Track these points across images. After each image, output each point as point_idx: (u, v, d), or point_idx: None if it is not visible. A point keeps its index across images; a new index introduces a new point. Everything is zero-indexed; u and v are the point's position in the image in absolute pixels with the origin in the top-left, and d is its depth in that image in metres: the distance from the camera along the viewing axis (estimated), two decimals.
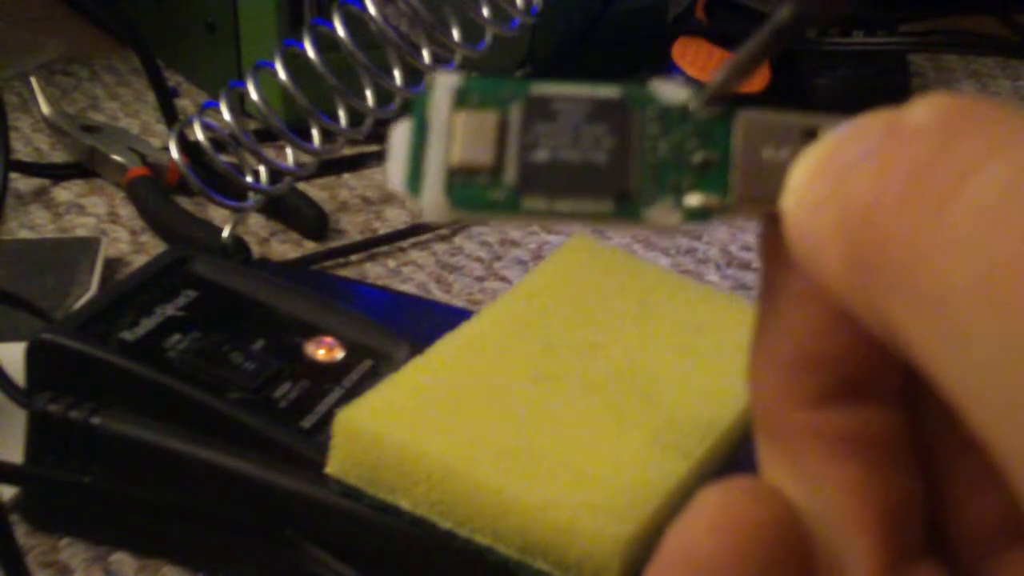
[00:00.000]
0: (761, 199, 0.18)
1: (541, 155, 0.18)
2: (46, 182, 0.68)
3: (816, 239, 0.17)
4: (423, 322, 0.51)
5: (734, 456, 0.41)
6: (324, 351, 0.43)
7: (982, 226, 0.14)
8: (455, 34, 0.64)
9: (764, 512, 0.18)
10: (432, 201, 0.19)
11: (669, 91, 0.19)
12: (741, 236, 0.65)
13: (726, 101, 0.19)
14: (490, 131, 0.19)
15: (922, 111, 0.16)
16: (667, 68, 0.74)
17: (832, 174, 0.17)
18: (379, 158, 0.71)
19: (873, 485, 0.18)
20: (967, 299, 0.14)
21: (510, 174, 0.19)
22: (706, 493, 0.19)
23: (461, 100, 0.19)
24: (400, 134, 0.19)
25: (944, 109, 0.16)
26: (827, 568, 0.19)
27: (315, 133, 0.60)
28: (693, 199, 0.18)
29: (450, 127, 0.19)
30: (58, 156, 0.71)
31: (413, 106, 0.19)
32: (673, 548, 0.18)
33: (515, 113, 0.19)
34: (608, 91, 0.19)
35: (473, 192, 0.19)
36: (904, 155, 0.16)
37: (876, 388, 0.19)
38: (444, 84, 0.19)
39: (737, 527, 0.18)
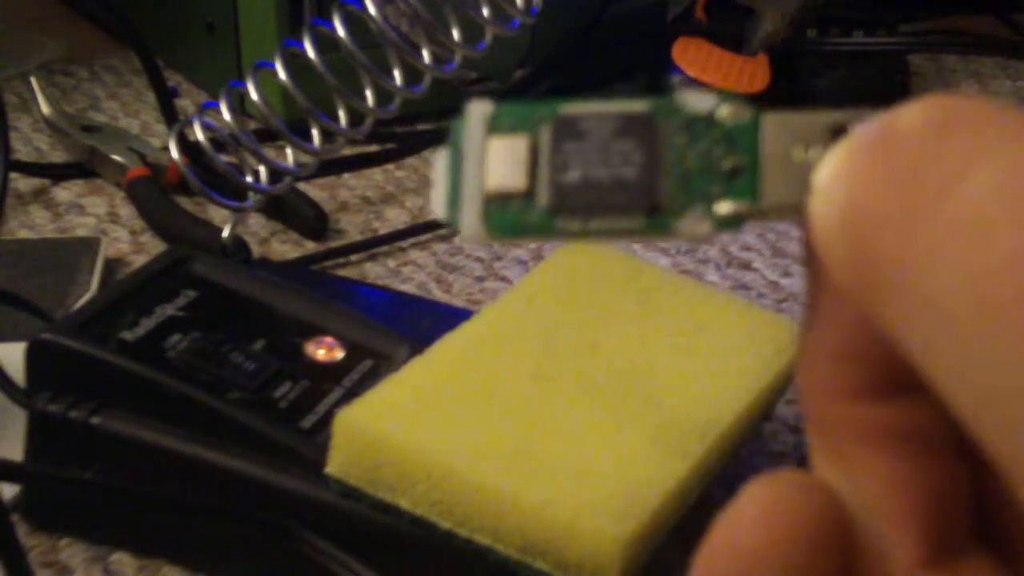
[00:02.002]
0: (791, 201, 0.18)
1: (572, 175, 0.19)
2: (46, 182, 0.68)
3: (827, 240, 0.17)
4: (423, 322, 0.51)
5: (734, 456, 0.41)
6: (324, 351, 0.43)
7: (971, 229, 0.14)
8: (455, 34, 0.64)
9: (809, 504, 0.19)
10: (470, 227, 0.19)
11: (695, 100, 0.19)
12: (741, 236, 0.65)
13: (753, 105, 0.19)
14: (522, 155, 0.19)
15: (913, 113, 0.16)
16: (667, 68, 0.74)
17: (844, 175, 0.17)
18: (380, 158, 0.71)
19: (916, 478, 0.18)
20: (958, 303, 0.14)
21: (543, 197, 0.19)
22: (753, 485, 0.19)
23: (493, 126, 0.20)
24: (439, 162, 0.20)
25: (935, 111, 0.16)
26: (870, 559, 0.19)
27: (315, 133, 0.60)
28: (723, 207, 0.18)
29: (484, 154, 0.19)
30: (58, 156, 0.71)
31: (449, 135, 0.20)
32: (720, 540, 0.19)
33: (545, 135, 0.19)
34: (635, 105, 0.19)
35: (508, 217, 0.19)
36: (894, 158, 0.16)
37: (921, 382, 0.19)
38: (476, 112, 0.20)
39: (783, 519, 0.18)
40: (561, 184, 0.19)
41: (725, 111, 0.19)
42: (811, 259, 0.19)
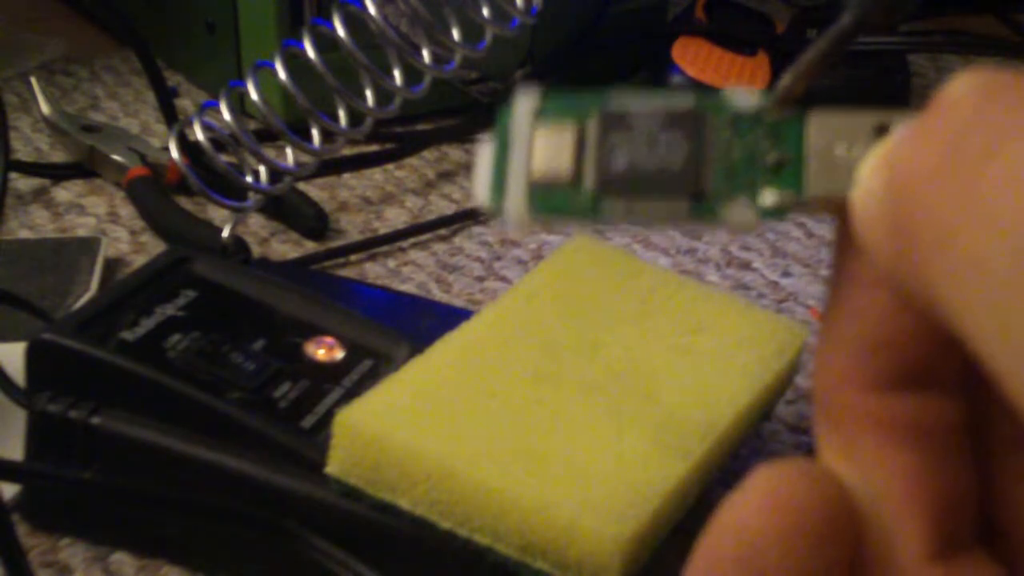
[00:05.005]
0: (833, 194, 0.18)
1: (618, 163, 0.19)
2: (46, 182, 0.68)
3: (869, 215, 0.17)
4: (423, 322, 0.51)
5: (734, 456, 0.41)
6: (324, 351, 0.43)
7: (1013, 195, 0.15)
8: (455, 34, 0.64)
9: (815, 493, 0.19)
10: (514, 211, 0.19)
11: (741, 97, 0.20)
12: (741, 236, 0.65)
13: (796, 103, 0.19)
14: (568, 144, 0.20)
15: (960, 84, 0.17)
16: (667, 68, 0.74)
17: (888, 155, 0.17)
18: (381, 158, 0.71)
19: (926, 473, 0.19)
20: (1000, 267, 0.15)
21: (589, 180, 0.19)
22: (758, 473, 0.19)
23: (540, 115, 0.20)
24: (484, 151, 0.20)
25: (981, 82, 0.16)
26: (875, 552, 0.19)
27: (315, 133, 0.60)
28: (768, 197, 0.19)
29: (530, 141, 0.20)
30: (58, 156, 0.71)
31: (496, 123, 0.20)
32: (725, 523, 0.19)
33: (592, 126, 0.20)
34: (681, 100, 0.20)
35: (554, 200, 0.19)
36: (940, 126, 0.16)
37: (936, 378, 0.19)
38: (524, 101, 0.20)
39: (788, 507, 0.18)
40: (608, 169, 0.19)
41: (771, 108, 0.19)
42: (842, 249, 0.19)
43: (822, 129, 0.19)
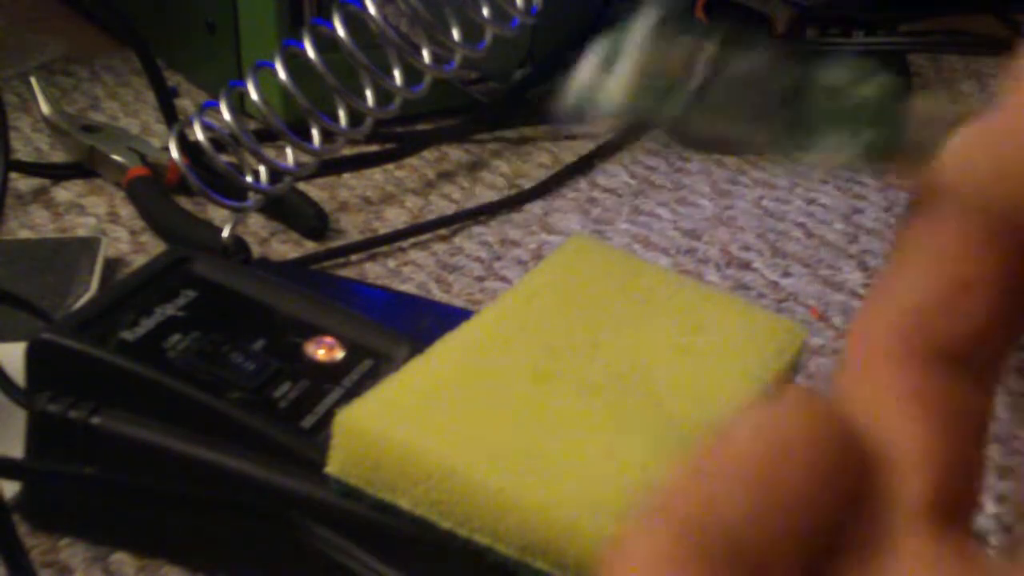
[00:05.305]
0: (931, 141, 0.19)
1: (725, 78, 0.20)
2: (46, 182, 0.68)
3: (969, 163, 0.19)
4: (423, 322, 0.51)
5: None
6: (324, 351, 0.43)
7: None
8: (455, 34, 0.64)
9: (834, 419, 0.19)
10: (612, 97, 0.20)
11: (845, 72, 0.20)
12: (741, 236, 0.65)
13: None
14: (679, 56, 0.20)
15: None
16: None
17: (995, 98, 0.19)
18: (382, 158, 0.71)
19: (942, 445, 0.19)
20: None
21: (692, 86, 0.20)
22: (757, 402, 0.19)
23: (659, 27, 0.21)
24: (590, 52, 0.21)
25: None
26: (877, 493, 0.19)
27: (315, 133, 0.60)
28: (867, 135, 0.20)
29: (644, 45, 0.20)
30: (58, 156, 0.71)
31: (611, 27, 0.21)
32: (715, 449, 0.19)
33: (705, 48, 0.20)
34: (786, 66, 0.20)
35: (651, 96, 0.20)
36: None
37: (975, 367, 0.20)
38: (648, 14, 0.21)
39: (785, 434, 0.18)
40: (713, 81, 0.20)
41: (877, 83, 0.20)
42: (920, 216, 0.20)
43: (920, 104, 0.20)
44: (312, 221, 0.63)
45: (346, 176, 0.70)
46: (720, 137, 0.20)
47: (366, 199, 0.68)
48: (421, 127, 0.75)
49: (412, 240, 0.63)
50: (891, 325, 0.20)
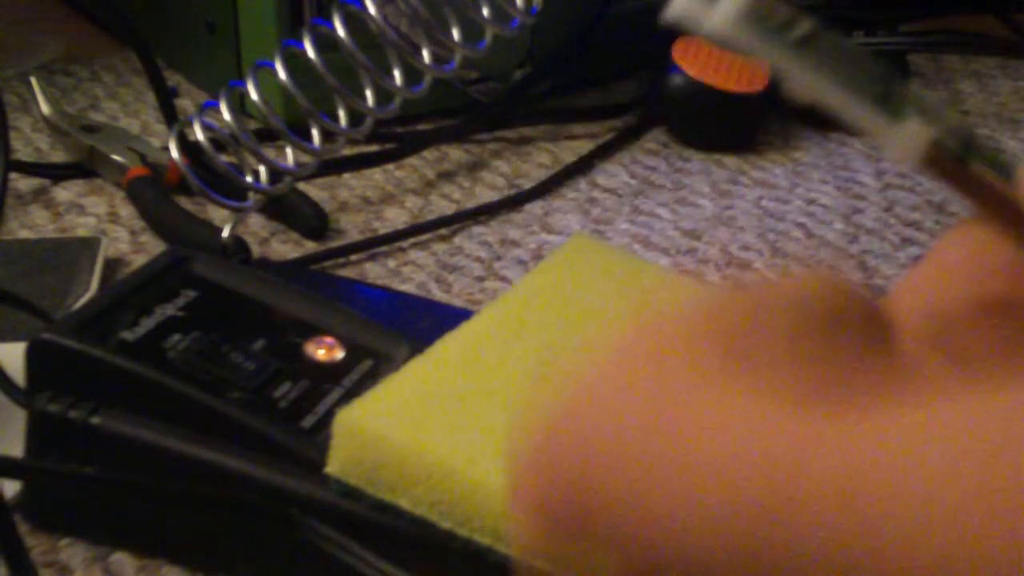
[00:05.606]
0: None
1: (831, 36, 0.21)
2: (46, 182, 0.68)
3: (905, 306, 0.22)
4: (423, 322, 0.51)
5: None
6: (324, 351, 0.43)
7: None
8: (455, 34, 0.64)
9: (1008, 249, 0.22)
10: (724, 14, 0.20)
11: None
12: (741, 236, 0.65)
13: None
14: (785, 9, 0.21)
15: None
16: (667, 68, 0.74)
17: None
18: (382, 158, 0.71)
19: None
20: None
21: (804, 26, 0.20)
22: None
23: None
24: None
25: None
26: None
27: (315, 133, 0.60)
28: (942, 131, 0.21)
29: None
30: (58, 156, 0.71)
31: None
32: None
33: (805, 15, 0.21)
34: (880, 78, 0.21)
35: (763, 24, 0.20)
36: None
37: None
38: None
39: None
40: (822, 31, 0.20)
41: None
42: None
43: None
44: (312, 221, 0.63)
45: (346, 176, 0.70)
46: (814, 93, 0.20)
47: (366, 199, 0.68)
48: (421, 127, 0.75)
49: (412, 240, 0.63)
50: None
